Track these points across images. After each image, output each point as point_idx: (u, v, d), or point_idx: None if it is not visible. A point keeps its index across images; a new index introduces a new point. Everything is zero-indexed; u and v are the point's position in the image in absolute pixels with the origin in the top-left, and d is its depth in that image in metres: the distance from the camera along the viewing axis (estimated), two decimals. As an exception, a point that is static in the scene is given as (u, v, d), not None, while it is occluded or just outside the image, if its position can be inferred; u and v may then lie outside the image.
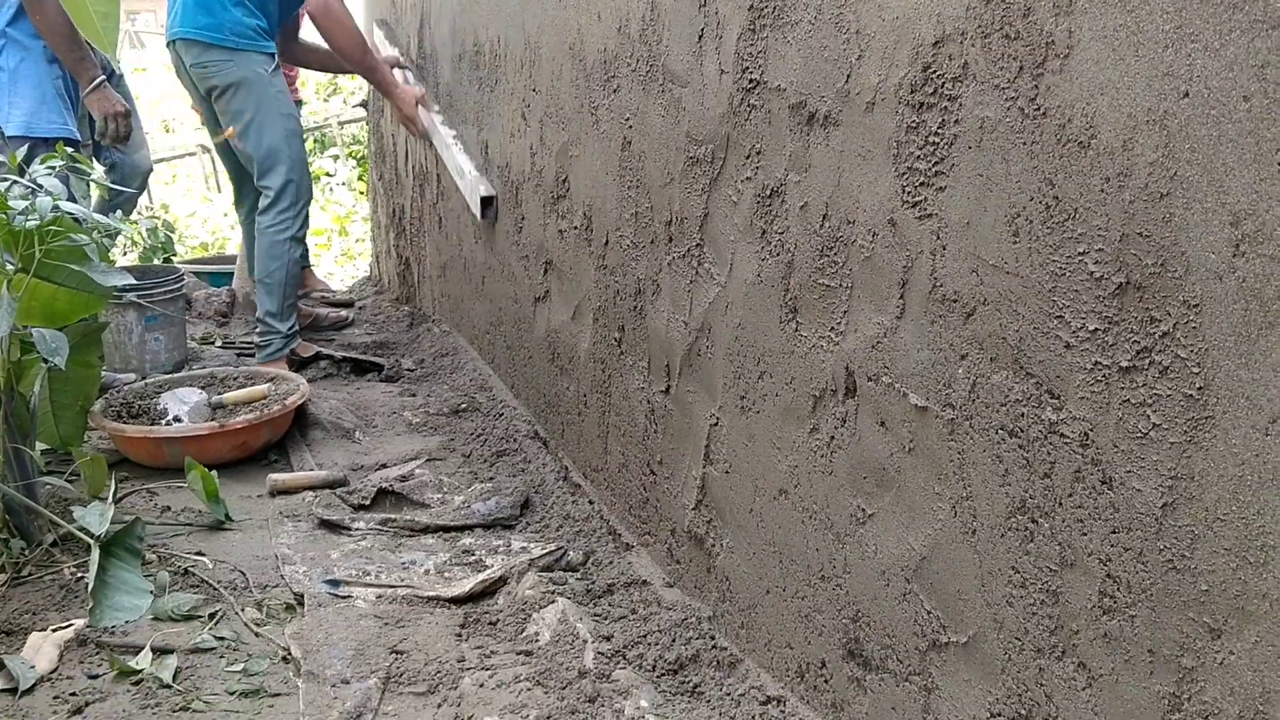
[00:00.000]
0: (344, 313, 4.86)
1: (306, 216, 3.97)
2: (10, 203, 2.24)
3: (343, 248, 8.12)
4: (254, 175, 3.88)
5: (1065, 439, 1.13)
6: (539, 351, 3.06)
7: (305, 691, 1.89)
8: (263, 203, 3.88)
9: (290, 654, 2.02)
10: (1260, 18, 0.88)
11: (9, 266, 2.29)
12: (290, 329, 3.93)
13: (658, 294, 2.18)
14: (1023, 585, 1.22)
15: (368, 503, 2.75)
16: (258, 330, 4.01)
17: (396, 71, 4.20)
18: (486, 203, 3.48)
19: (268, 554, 2.48)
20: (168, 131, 8.21)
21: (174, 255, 4.72)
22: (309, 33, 4.23)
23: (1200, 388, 0.97)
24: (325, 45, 4.07)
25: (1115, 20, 1.02)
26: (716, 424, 1.96)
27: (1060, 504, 1.15)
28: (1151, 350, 1.02)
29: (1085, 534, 1.12)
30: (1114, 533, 1.08)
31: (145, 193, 5.77)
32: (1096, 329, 1.08)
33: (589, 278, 2.58)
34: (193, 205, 8.90)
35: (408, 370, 3.98)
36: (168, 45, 3.88)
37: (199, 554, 2.45)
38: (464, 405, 3.51)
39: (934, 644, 1.38)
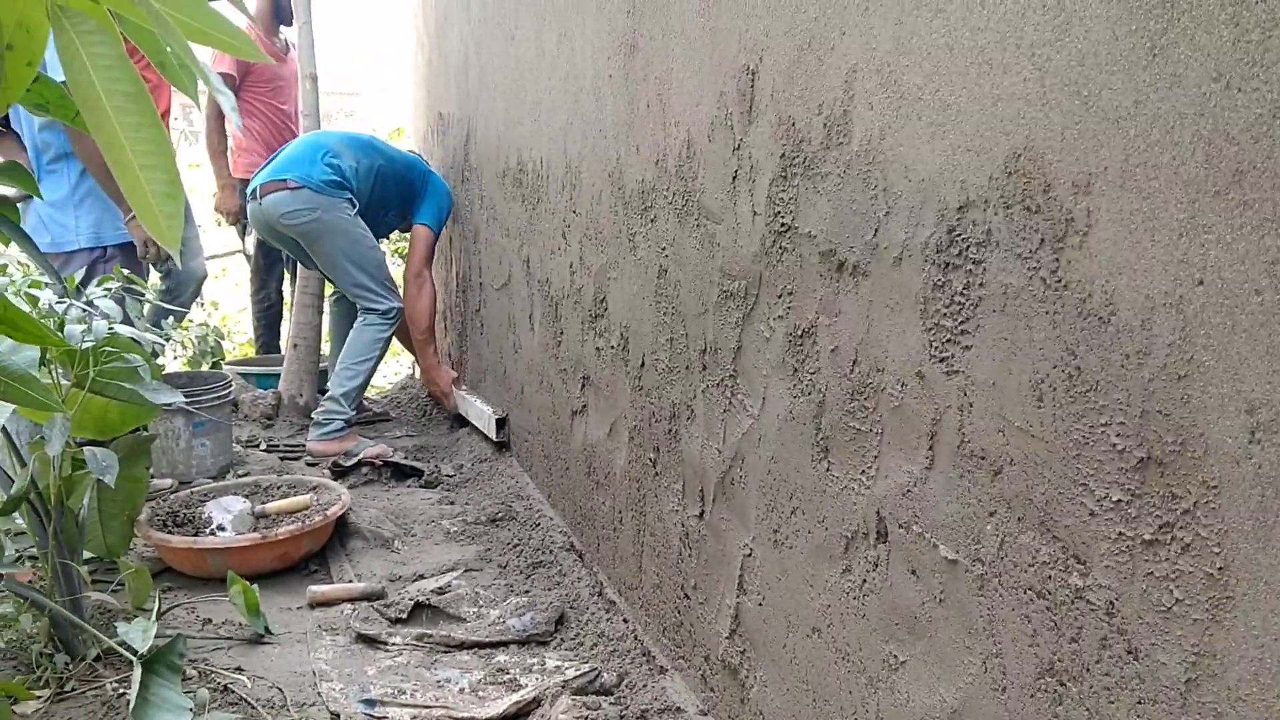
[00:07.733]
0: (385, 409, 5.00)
1: None
2: (68, 326, 2.34)
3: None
4: (356, 302, 4.40)
5: (1092, 606, 1.14)
6: (575, 464, 3.09)
7: (339, 820, 1.90)
8: (365, 311, 4.36)
9: (325, 779, 2.03)
10: (1270, 216, 0.91)
11: (64, 383, 2.39)
12: (351, 418, 4.29)
13: (692, 419, 2.21)
14: (1053, 748, 1.22)
15: (405, 616, 2.78)
16: (320, 410, 4.26)
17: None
18: (500, 424, 4.05)
19: (305, 669, 2.50)
20: (219, 225, 8.40)
21: (222, 359, 4.83)
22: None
23: (1220, 568, 0.98)
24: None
25: (1131, 205, 1.06)
26: (750, 554, 1.98)
27: (1088, 670, 1.16)
28: (1173, 526, 1.03)
29: (1113, 702, 1.12)
30: (1140, 703, 1.09)
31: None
32: (1120, 500, 1.09)
33: (625, 397, 2.62)
34: (242, 300, 9.05)
35: (447, 476, 4.02)
36: (249, 197, 4.17)
37: (238, 669, 2.48)
38: (501, 514, 3.54)
39: (966, 799, 1.37)
